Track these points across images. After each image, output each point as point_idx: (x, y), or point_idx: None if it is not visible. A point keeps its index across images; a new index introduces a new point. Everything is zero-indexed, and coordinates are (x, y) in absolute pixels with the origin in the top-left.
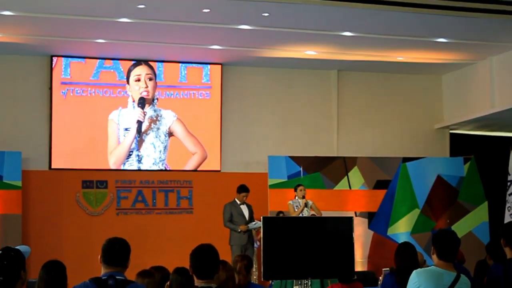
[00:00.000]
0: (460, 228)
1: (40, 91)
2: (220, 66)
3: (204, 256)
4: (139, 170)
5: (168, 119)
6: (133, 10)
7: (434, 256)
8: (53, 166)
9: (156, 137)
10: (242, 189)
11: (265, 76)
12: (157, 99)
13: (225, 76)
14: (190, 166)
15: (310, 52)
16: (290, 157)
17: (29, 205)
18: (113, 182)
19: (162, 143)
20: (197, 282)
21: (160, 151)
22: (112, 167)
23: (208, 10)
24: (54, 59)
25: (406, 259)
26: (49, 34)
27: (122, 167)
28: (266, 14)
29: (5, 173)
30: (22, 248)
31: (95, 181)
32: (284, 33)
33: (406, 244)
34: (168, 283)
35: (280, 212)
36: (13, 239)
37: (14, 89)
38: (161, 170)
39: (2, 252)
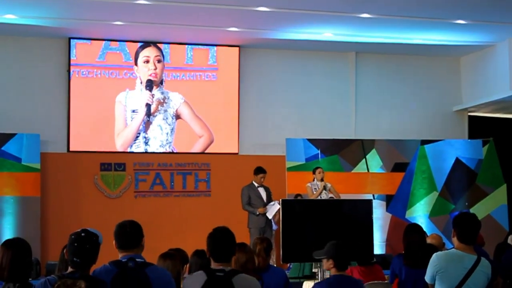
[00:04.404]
0: (479, 211)
1: (58, 74)
2: (237, 48)
3: (221, 239)
4: (158, 152)
5: (176, 101)
6: None
7: (455, 239)
8: (71, 149)
9: (163, 119)
10: (259, 170)
11: (282, 58)
12: (164, 81)
13: (243, 59)
14: (196, 149)
15: (328, 34)
16: (308, 139)
17: (48, 188)
18: (131, 165)
19: (169, 125)
20: (213, 265)
21: (167, 133)
22: (119, 149)
23: None
24: (72, 41)
25: (413, 241)
26: (66, 17)
27: (128, 149)
28: None
29: (24, 155)
30: (97, 233)
31: (113, 164)
32: (302, 15)
33: (413, 226)
34: (187, 265)
35: (298, 195)
36: (32, 222)
37: (31, 72)
38: (179, 153)
39: (85, 235)
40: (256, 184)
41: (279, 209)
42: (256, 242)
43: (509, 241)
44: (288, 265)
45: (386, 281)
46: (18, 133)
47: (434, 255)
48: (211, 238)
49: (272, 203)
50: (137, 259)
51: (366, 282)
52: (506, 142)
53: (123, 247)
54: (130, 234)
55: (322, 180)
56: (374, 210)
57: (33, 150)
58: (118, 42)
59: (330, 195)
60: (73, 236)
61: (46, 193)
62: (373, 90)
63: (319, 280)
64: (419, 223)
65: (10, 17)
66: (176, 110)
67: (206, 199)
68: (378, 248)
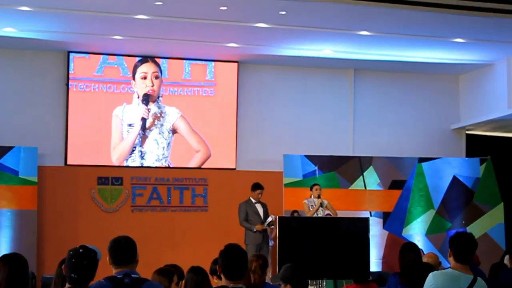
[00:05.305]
0: (476, 229)
1: (56, 87)
2: (236, 64)
3: (234, 256)
4: (155, 167)
5: (172, 116)
6: (150, 7)
7: (451, 259)
8: (68, 162)
9: (160, 133)
10: (257, 186)
11: (281, 74)
12: (161, 96)
13: (241, 74)
14: (193, 163)
15: (327, 51)
16: (305, 156)
17: (45, 201)
18: (128, 179)
19: (165, 139)
20: (225, 282)
21: (163, 148)
22: (115, 163)
23: (225, 8)
24: (71, 55)
25: (409, 260)
26: (65, 30)
27: (124, 163)
28: (283, 12)
29: (21, 168)
30: (96, 249)
31: (110, 178)
32: (301, 32)
33: (409, 245)
34: (183, 281)
35: (295, 211)
36: (28, 235)
37: (30, 85)
38: (176, 167)
39: (83, 251)
40: (253, 200)
41: (274, 221)
42: (252, 259)
43: (505, 261)
44: None
45: None
46: (16, 146)
47: (430, 274)
48: (224, 255)
49: (269, 218)
50: (133, 275)
51: None
52: (503, 161)
53: (118, 263)
54: (125, 250)
55: (319, 197)
56: (370, 228)
57: (30, 163)
58: (116, 57)
59: (327, 212)
60: (71, 252)
61: (43, 206)
62: (371, 107)
63: None
64: (416, 241)
65: (9, 31)
66: (173, 125)
67: (203, 214)
68: (375, 265)
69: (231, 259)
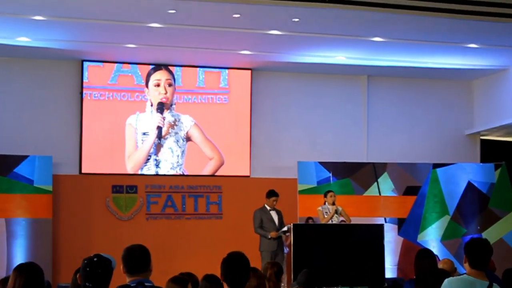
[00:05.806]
0: (491, 234)
1: (70, 96)
2: (250, 71)
3: (236, 265)
4: (169, 175)
5: (186, 124)
6: (163, 15)
7: (466, 265)
8: (83, 171)
9: (174, 141)
10: (272, 193)
11: (294, 81)
12: (175, 104)
13: (255, 81)
14: (207, 171)
15: (340, 57)
16: (319, 162)
17: (60, 210)
18: (143, 187)
19: (179, 147)
20: None
21: (178, 156)
22: (130, 171)
23: (238, 16)
24: (85, 63)
25: (425, 266)
26: (79, 39)
27: (139, 172)
28: (296, 20)
29: (36, 177)
30: (110, 258)
31: (125, 186)
32: (314, 39)
33: (425, 251)
34: None
35: (309, 218)
36: (43, 244)
37: (44, 94)
38: (191, 175)
39: (97, 259)
40: (268, 207)
41: (289, 229)
42: (267, 266)
43: None
44: None
45: None
46: (31, 155)
47: (446, 280)
48: (226, 264)
49: (284, 228)
50: (146, 283)
51: None
52: None
53: (132, 271)
54: (139, 259)
55: (333, 203)
56: (385, 234)
57: (45, 172)
58: (130, 65)
59: (341, 218)
60: (85, 261)
61: (58, 215)
62: (385, 113)
63: None
64: (431, 247)
65: (23, 40)
66: (187, 133)
67: (217, 221)
68: (390, 272)
69: (233, 267)
